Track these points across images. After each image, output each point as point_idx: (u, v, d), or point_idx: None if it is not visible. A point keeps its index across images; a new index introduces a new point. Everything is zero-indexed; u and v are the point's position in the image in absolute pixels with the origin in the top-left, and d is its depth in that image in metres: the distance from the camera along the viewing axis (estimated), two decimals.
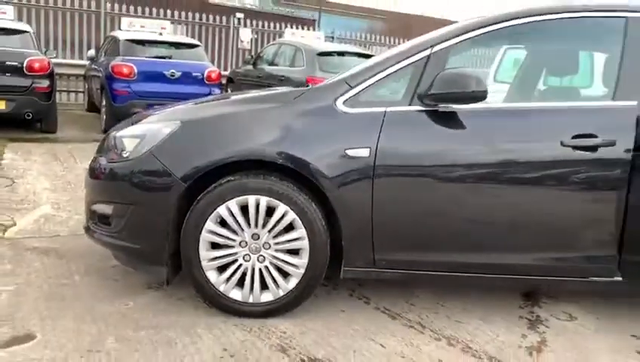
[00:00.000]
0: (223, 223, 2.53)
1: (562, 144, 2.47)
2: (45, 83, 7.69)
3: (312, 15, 30.93)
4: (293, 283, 2.57)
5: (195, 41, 9.89)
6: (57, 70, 10.19)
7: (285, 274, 2.58)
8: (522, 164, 2.52)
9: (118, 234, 2.67)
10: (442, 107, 2.52)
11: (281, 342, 2.40)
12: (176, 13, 13.22)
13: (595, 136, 2.47)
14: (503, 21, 2.67)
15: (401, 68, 2.61)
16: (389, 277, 2.65)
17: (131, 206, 2.61)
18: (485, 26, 2.66)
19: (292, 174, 2.51)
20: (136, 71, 8.23)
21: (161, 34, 9.54)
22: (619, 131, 2.47)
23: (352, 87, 2.59)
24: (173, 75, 8.47)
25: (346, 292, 2.96)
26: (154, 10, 12.93)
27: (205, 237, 2.52)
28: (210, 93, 8.30)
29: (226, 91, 10.53)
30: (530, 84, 3.15)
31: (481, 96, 2.42)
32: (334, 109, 2.56)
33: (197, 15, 13.66)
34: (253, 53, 12.52)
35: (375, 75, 2.61)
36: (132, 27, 9.85)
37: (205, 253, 2.54)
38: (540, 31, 2.75)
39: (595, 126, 2.49)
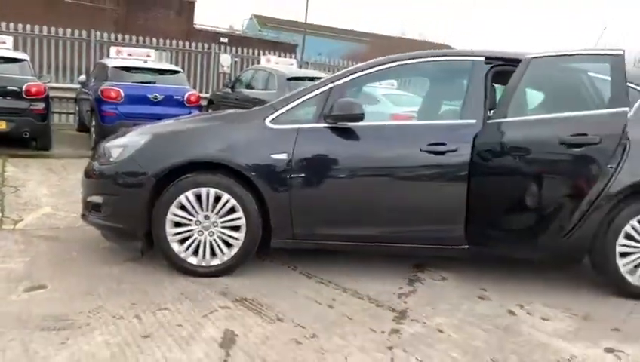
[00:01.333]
0: (182, 208, 3.51)
1: (420, 150, 3.51)
2: (41, 105, 8.64)
3: (293, 40, 32.32)
4: (234, 251, 3.56)
5: (177, 68, 10.95)
6: (51, 93, 11.16)
7: (229, 245, 3.56)
8: (395, 163, 3.57)
9: (106, 217, 3.66)
10: (340, 124, 3.56)
11: (223, 290, 3.38)
12: (162, 41, 14.30)
13: (444, 144, 3.51)
14: (386, 63, 3.74)
15: (312, 96, 3.67)
16: (305, 246, 3.67)
17: (116, 196, 3.60)
18: (373, 67, 3.73)
19: (233, 172, 3.51)
20: (123, 94, 9.20)
21: (145, 61, 10.56)
22: (461, 141, 3.52)
23: (276, 110, 3.63)
24: (156, 98, 9.45)
25: (280, 263, 3.93)
26: (140, 38, 14.02)
27: (170, 218, 3.51)
28: (190, 114, 9.29)
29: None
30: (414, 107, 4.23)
31: (360, 117, 3.47)
32: (264, 126, 3.59)
33: (181, 43, 14.73)
34: (232, 77, 13.58)
35: (293, 101, 3.66)
36: (120, 55, 10.88)
37: (170, 230, 3.52)
38: (413, 70, 3.82)
39: (445, 137, 3.53)
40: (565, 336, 3.03)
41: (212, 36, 25.49)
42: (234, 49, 15.99)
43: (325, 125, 3.57)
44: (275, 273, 3.74)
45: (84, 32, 13.30)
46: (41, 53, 12.95)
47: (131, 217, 3.56)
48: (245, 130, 3.61)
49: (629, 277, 3.62)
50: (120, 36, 13.87)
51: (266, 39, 30.48)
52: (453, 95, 3.91)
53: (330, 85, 3.67)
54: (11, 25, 12.75)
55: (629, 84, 3.64)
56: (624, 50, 3.36)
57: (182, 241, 3.55)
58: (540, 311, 3.36)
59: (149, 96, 9.44)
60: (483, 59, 3.73)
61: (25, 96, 8.56)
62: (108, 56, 11.25)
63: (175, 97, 9.69)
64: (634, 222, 3.58)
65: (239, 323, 2.92)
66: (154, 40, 14.12)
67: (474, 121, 3.58)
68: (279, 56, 15.39)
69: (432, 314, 3.22)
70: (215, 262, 3.57)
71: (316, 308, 3.21)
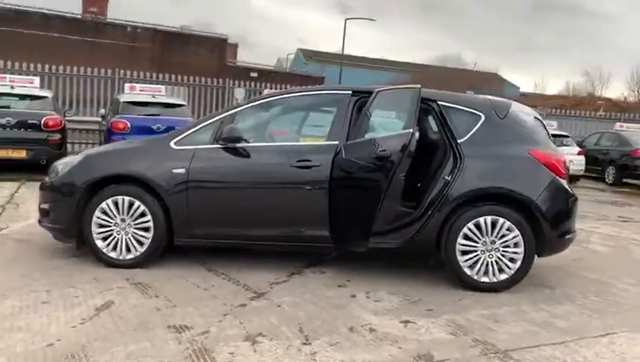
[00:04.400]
0: (105, 212, 4.45)
1: (290, 165, 4.34)
2: (57, 136, 9.93)
3: (322, 73, 33.65)
4: (144, 248, 4.46)
5: (181, 101, 12.15)
6: (74, 126, 12.57)
7: (140, 243, 4.46)
8: (272, 176, 4.41)
9: (51, 220, 4.63)
10: (230, 145, 4.44)
11: (129, 276, 4.25)
12: (180, 77, 15.65)
13: (310, 161, 4.33)
14: (271, 97, 4.63)
15: (209, 123, 4.59)
16: (202, 244, 4.53)
17: (57, 203, 4.58)
18: (259, 100, 4.63)
19: (144, 184, 4.43)
20: (129, 126, 10.40)
21: (154, 96, 11.80)
22: (323, 158, 4.33)
23: (180, 134, 4.56)
24: (159, 128, 10.55)
25: (194, 260, 4.78)
26: (161, 75, 15.42)
27: (95, 220, 4.45)
28: None
29: None
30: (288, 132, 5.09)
31: (238, 139, 4.35)
32: (169, 147, 4.51)
33: (197, 78, 16.07)
34: None
35: (194, 127, 4.59)
36: (133, 91, 12.19)
37: (95, 230, 4.45)
38: (294, 102, 4.70)
39: (311, 155, 4.36)
40: (379, 312, 3.74)
41: (243, 71, 27.04)
42: (263, 84, 17.25)
43: (218, 146, 4.47)
44: (182, 266, 4.59)
45: (109, 71, 14.79)
46: (72, 90, 14.49)
47: (68, 219, 4.52)
48: (155, 151, 4.55)
49: (468, 271, 4.30)
50: (142, 73, 15.33)
51: (294, 73, 31.86)
52: (325, 121, 4.73)
53: (224, 115, 4.59)
54: (46, 66, 14.37)
55: (471, 110, 4.43)
56: (420, 86, 4.15)
57: (105, 239, 4.47)
58: (379, 296, 4.08)
59: (153, 126, 10.58)
60: (350, 92, 4.57)
61: (43, 128, 9.89)
62: (123, 92, 12.59)
63: (177, 128, 10.78)
64: (470, 225, 4.26)
65: (123, 297, 3.80)
66: (173, 76, 15.48)
67: (337, 142, 4.39)
68: None
69: (284, 295, 3.99)
70: (130, 256, 4.47)
71: (194, 290, 4.05)
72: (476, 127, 4.46)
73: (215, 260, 4.76)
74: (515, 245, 4.27)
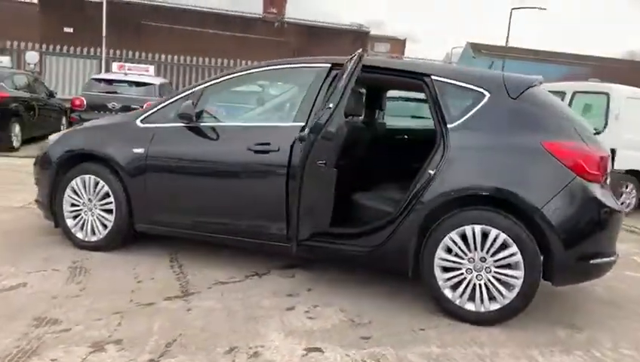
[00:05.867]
0: (74, 191, 4.26)
1: (248, 148, 3.73)
2: None
3: (488, 66, 31.49)
4: (107, 231, 4.19)
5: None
6: None
7: (104, 226, 4.20)
8: (228, 160, 3.84)
9: (38, 195, 4.59)
10: (191, 124, 3.97)
11: (78, 259, 4.00)
12: None
13: (268, 144, 3.68)
14: (241, 71, 4.06)
15: (175, 100, 4.15)
16: (159, 231, 4.12)
17: (39, 178, 4.51)
18: (230, 74, 4.07)
19: (107, 163, 4.15)
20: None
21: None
22: (282, 141, 3.65)
23: (146, 112, 4.20)
24: None
25: (165, 251, 4.42)
26: None
27: (66, 199, 4.29)
28: None
29: None
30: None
31: (190, 117, 3.85)
32: (135, 124, 4.18)
33: None
34: None
35: (160, 104, 4.20)
36: None
37: (66, 208, 4.30)
38: (268, 76, 4.05)
39: (271, 138, 3.70)
40: (295, 333, 3.00)
41: None
42: None
43: (175, 125, 4.03)
44: (147, 254, 4.23)
45: (232, 61, 15.25)
46: (191, 79, 15.24)
47: (45, 194, 4.42)
48: (121, 128, 4.26)
49: (449, 294, 3.34)
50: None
51: None
52: (298, 98, 4.00)
53: (190, 90, 4.12)
54: (175, 57, 15.26)
55: (474, 87, 3.47)
56: (361, 50, 3.24)
57: (74, 218, 4.30)
58: (322, 313, 3.32)
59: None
60: (329, 65, 3.82)
61: None
62: None
63: None
64: (453, 235, 3.30)
65: (42, 281, 3.54)
66: None
67: (302, 123, 3.68)
68: None
69: (210, 299, 3.42)
70: (94, 238, 4.24)
71: (126, 281, 3.66)
72: (476, 108, 3.44)
73: (188, 252, 4.34)
74: (513, 266, 3.21)
